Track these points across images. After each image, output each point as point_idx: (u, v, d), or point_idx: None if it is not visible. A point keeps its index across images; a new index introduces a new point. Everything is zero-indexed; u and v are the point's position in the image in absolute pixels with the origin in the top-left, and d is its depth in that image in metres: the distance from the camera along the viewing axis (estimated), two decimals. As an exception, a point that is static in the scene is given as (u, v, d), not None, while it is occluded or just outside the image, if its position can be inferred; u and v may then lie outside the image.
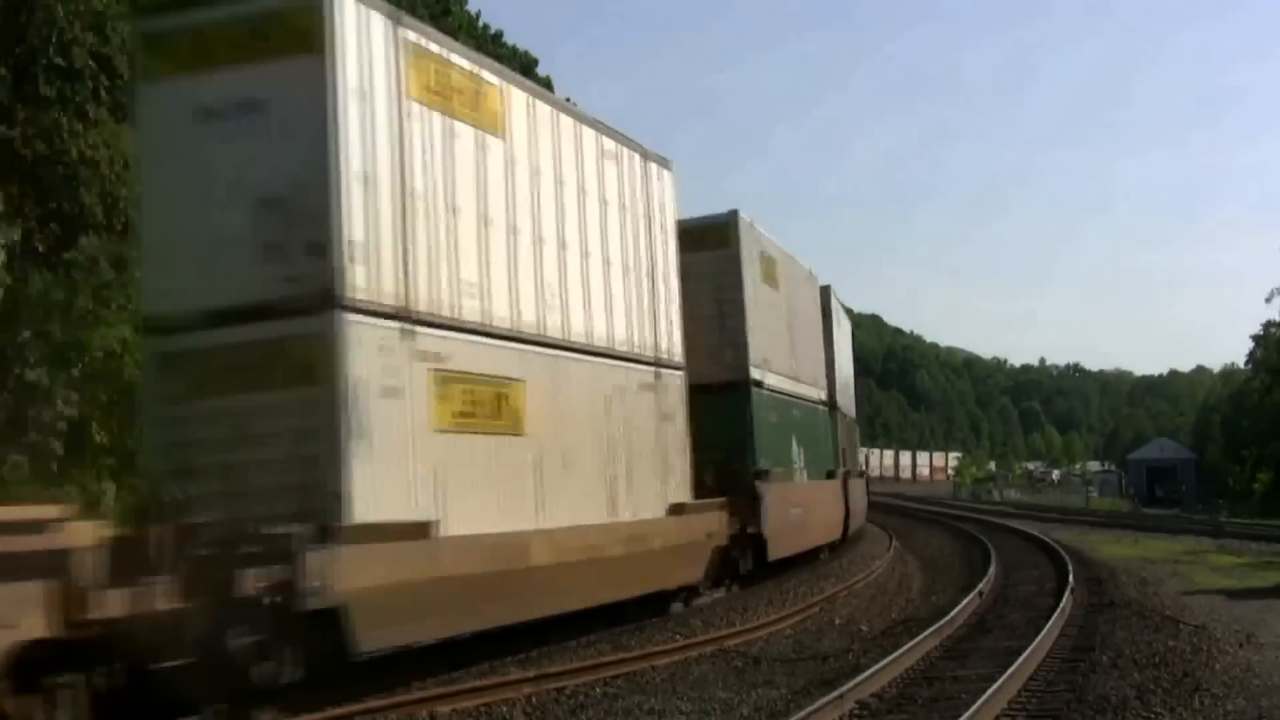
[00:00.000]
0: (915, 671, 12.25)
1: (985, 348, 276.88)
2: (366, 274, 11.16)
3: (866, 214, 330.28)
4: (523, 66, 40.10)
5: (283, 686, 9.99)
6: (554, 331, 14.29)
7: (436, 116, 12.40)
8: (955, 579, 22.54)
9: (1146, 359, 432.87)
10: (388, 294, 11.44)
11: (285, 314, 10.84)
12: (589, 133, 15.67)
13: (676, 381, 17.53)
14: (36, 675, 8.29)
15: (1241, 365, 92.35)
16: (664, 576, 16.45)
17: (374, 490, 10.90)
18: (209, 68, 11.20)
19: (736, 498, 19.49)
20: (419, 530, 11.32)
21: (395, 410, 11.35)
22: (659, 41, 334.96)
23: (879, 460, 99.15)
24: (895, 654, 12.52)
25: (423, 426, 11.73)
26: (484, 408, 12.78)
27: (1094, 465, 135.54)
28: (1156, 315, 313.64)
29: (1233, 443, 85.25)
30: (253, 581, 9.46)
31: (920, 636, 13.71)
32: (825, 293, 29.89)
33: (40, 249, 20.04)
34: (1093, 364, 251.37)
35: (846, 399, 33.48)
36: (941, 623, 14.95)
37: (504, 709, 10.92)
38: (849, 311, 38.49)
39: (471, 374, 12.59)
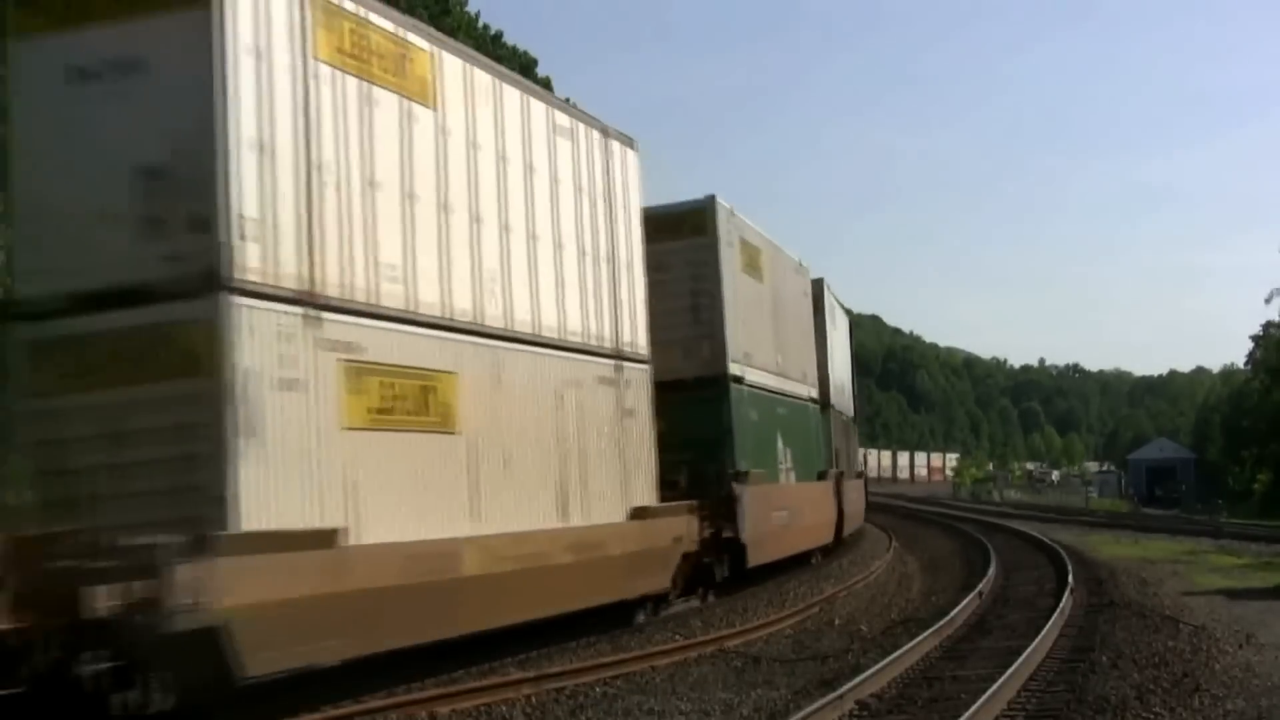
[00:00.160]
0: (915, 672, 12.23)
1: (985, 348, 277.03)
2: (261, 253, 10.01)
3: (863, 211, 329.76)
4: (522, 67, 39.22)
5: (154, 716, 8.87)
6: (494, 320, 13.11)
7: (351, 81, 11.23)
8: (955, 579, 22.40)
9: (1146, 359, 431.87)
10: (288, 276, 10.28)
11: (167, 297, 9.70)
12: (538, 106, 14.48)
13: (641, 376, 16.32)
14: None
15: (1241, 366, 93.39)
16: (623, 586, 15.24)
17: (267, 494, 9.75)
18: (84, 23, 10.06)
19: (711, 500, 18.31)
20: (321, 538, 10.16)
21: (295, 405, 10.19)
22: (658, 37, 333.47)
23: (877, 461, 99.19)
24: (895, 654, 12.48)
25: (330, 423, 10.56)
26: (407, 402, 11.61)
27: (1091, 466, 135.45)
28: (1157, 315, 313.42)
29: (1232, 443, 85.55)
30: (104, 600, 8.31)
31: (920, 637, 13.66)
32: (818, 286, 28.58)
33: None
34: (1092, 364, 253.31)
35: (842, 397, 32.18)
36: (941, 623, 14.89)
37: (503, 709, 10.84)
38: (847, 312, 37.10)
39: (392, 365, 11.41)
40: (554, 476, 13.96)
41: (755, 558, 19.61)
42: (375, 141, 11.48)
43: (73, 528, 8.68)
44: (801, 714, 9.52)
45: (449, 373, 12.24)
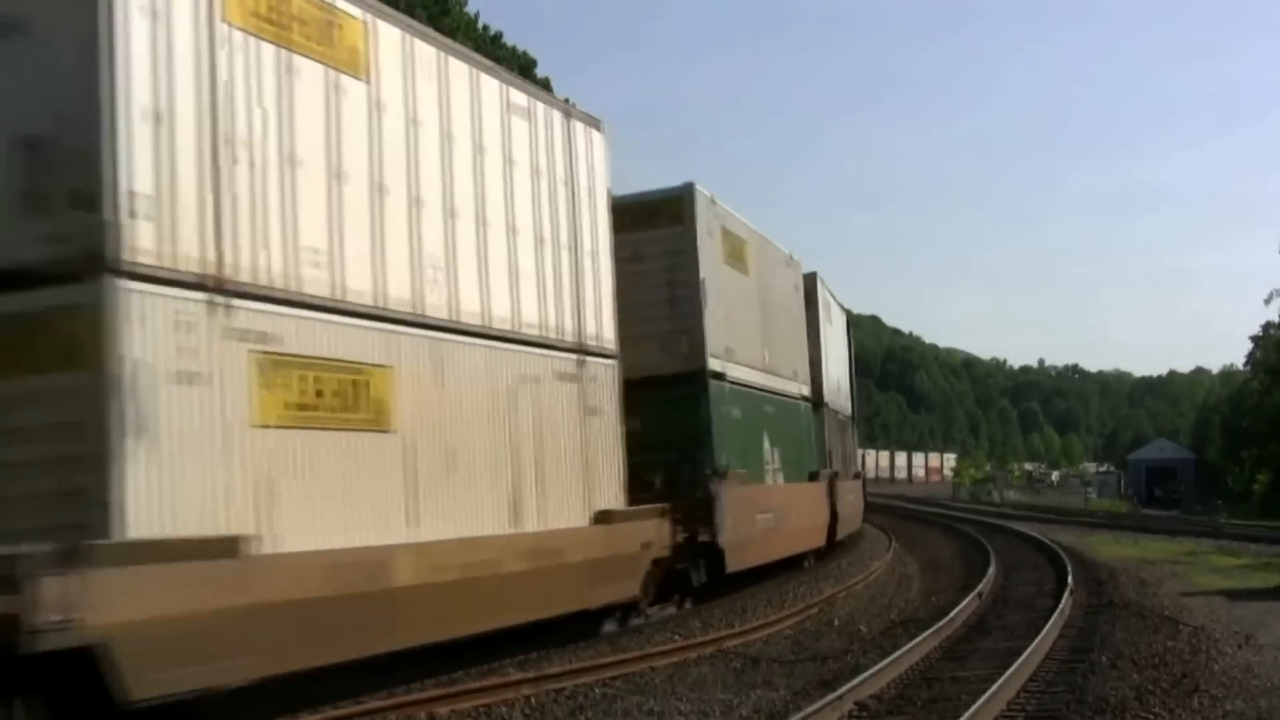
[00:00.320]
0: (914, 672, 12.22)
1: (984, 348, 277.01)
2: (156, 233, 9.08)
3: (861, 211, 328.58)
4: (521, 68, 38.55)
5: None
6: (437, 310, 12.18)
7: (268, 49, 10.30)
8: (955, 580, 22.37)
9: (1146, 360, 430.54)
10: (189, 259, 9.36)
11: (48, 280, 8.76)
12: (490, 82, 13.53)
13: (607, 371, 15.37)
14: None
15: (1241, 366, 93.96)
16: (584, 595, 14.27)
17: (160, 499, 8.83)
18: (-41, -19, 9.16)
19: (686, 503, 17.36)
20: (223, 547, 9.23)
21: (196, 401, 9.27)
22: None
23: (875, 461, 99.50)
24: (894, 655, 12.46)
25: (240, 420, 9.64)
26: (333, 398, 10.67)
27: (1090, 466, 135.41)
28: (1156, 316, 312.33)
29: (1232, 444, 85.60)
30: (-47, 618, 7.40)
31: (920, 637, 13.63)
32: (810, 280, 27.59)
33: None
34: (1092, 365, 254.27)
35: (838, 396, 31.19)
36: (941, 624, 14.87)
37: (503, 709, 10.78)
38: (846, 311, 36.03)
39: (315, 358, 10.48)
40: (506, 478, 13.02)
41: (735, 563, 18.62)
42: (296, 115, 10.56)
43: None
44: (801, 715, 9.52)
45: (384, 366, 11.32)
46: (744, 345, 20.83)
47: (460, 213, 12.71)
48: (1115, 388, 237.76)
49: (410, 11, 21.93)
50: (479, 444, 12.61)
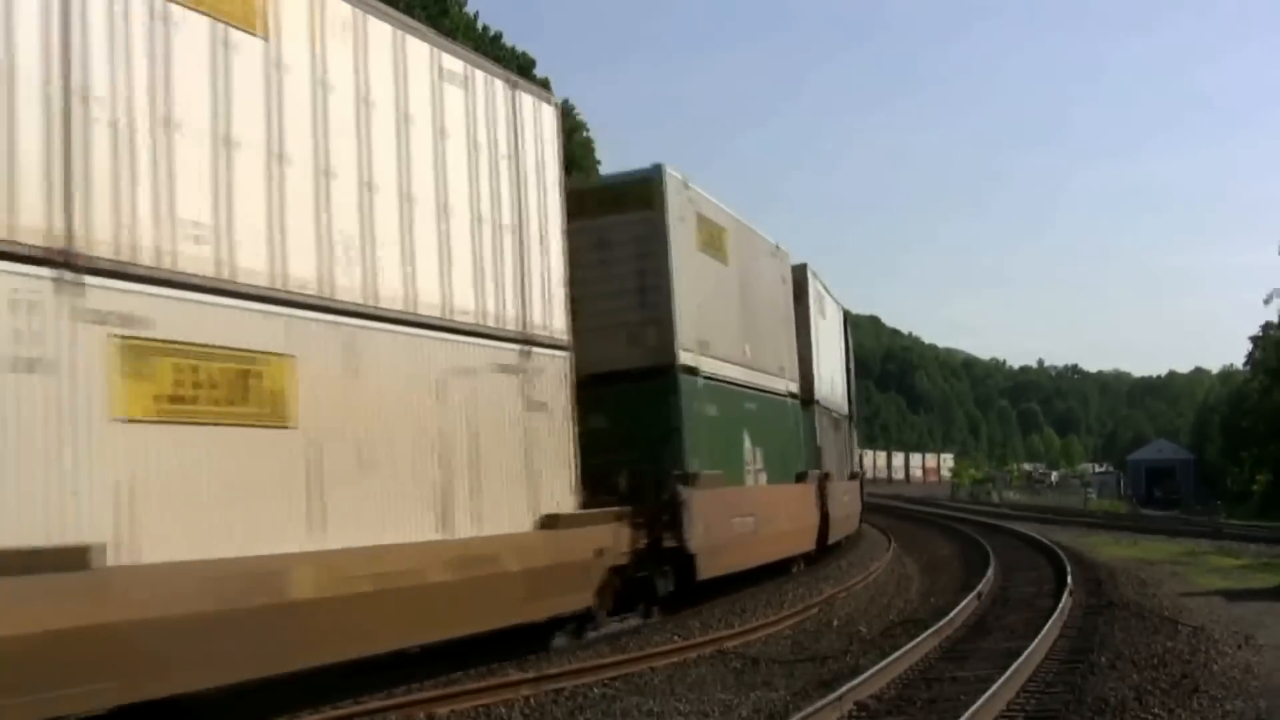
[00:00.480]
0: (914, 673, 12.18)
1: (984, 349, 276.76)
2: (-13, 200, 7.96)
3: (861, 211, 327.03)
4: (521, 68, 37.55)
5: None
6: (348, 294, 11.01)
7: (137, -4, 9.17)
8: (954, 580, 22.28)
9: (1145, 360, 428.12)
10: (30, 230, 8.22)
11: None
12: (419, 46, 12.36)
13: (557, 364, 14.18)
14: None
15: (1240, 366, 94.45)
16: (524, 606, 13.06)
17: (-12, 503, 7.71)
18: None
19: (650, 505, 16.16)
20: (67, 558, 8.09)
21: (39, 390, 8.14)
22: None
23: (874, 461, 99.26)
24: (894, 655, 12.42)
25: (96, 414, 8.50)
26: (216, 390, 9.52)
27: (1089, 466, 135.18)
28: (1156, 316, 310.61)
29: (1231, 444, 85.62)
30: None
31: (919, 638, 13.57)
32: (800, 272, 26.26)
33: None
34: (1091, 365, 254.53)
35: (833, 393, 29.90)
36: (940, 624, 14.83)
37: (502, 710, 10.73)
38: (844, 310, 34.72)
39: (193, 345, 9.34)
40: (433, 480, 11.86)
41: (707, 569, 17.37)
42: (174, 72, 9.41)
43: None
44: (800, 715, 9.53)
45: (281, 355, 10.16)
46: (721, 338, 19.60)
47: (380, 187, 11.55)
48: (1115, 388, 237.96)
49: (409, 11, 20.88)
50: (400, 442, 11.45)
